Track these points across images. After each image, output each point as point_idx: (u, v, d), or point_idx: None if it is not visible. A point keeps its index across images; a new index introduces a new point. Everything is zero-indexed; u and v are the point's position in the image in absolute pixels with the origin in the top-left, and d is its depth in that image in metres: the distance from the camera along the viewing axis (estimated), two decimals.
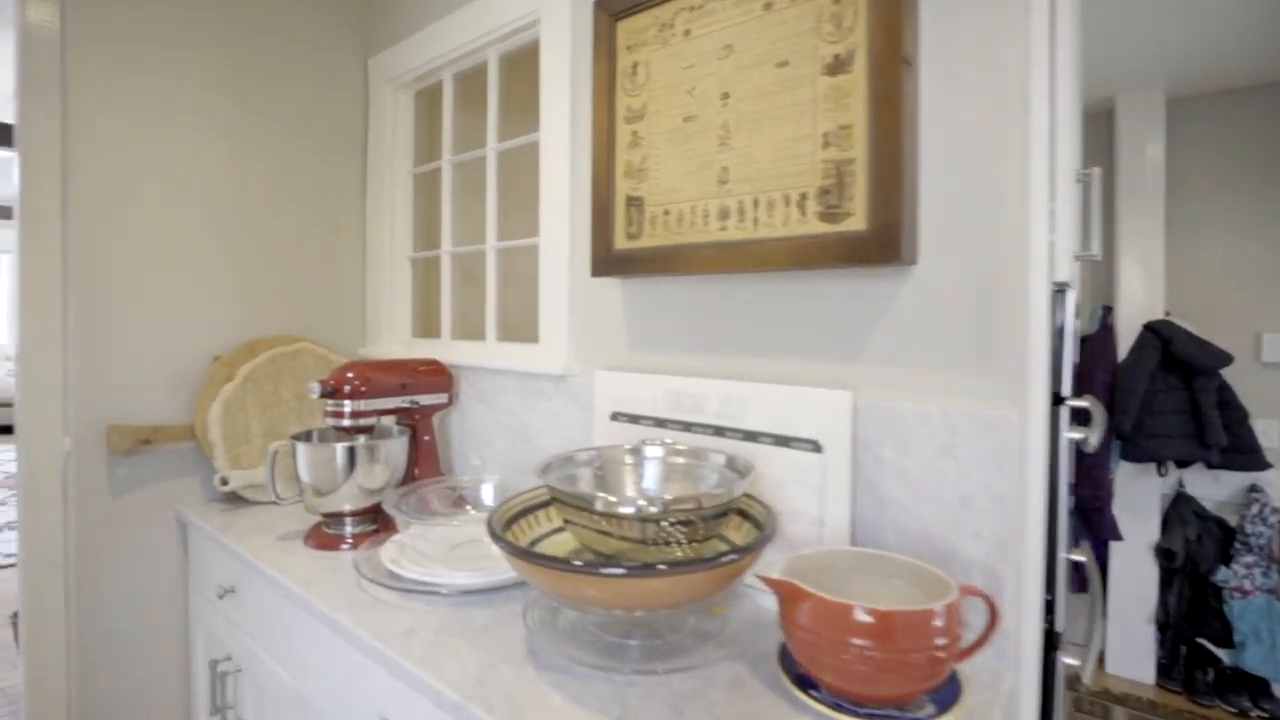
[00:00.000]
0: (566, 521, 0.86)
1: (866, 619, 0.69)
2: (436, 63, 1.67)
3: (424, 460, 1.38)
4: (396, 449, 1.27)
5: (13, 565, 2.83)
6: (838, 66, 0.89)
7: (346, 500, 1.23)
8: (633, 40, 1.13)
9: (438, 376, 1.44)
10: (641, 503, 0.73)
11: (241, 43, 1.62)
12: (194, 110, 1.54)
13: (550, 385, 1.32)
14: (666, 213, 1.08)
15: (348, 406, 1.25)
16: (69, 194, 1.43)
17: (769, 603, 0.95)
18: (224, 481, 1.43)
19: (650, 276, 1.14)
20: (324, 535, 1.25)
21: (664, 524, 0.75)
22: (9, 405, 6.50)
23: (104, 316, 1.42)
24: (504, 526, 0.89)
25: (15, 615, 1.70)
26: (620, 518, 0.75)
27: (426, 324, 1.91)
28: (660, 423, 1.11)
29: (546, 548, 0.92)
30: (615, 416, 1.18)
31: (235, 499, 1.54)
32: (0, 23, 3.34)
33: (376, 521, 1.29)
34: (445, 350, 1.66)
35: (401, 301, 1.84)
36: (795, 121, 0.93)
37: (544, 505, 0.97)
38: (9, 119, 4.50)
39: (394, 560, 1.03)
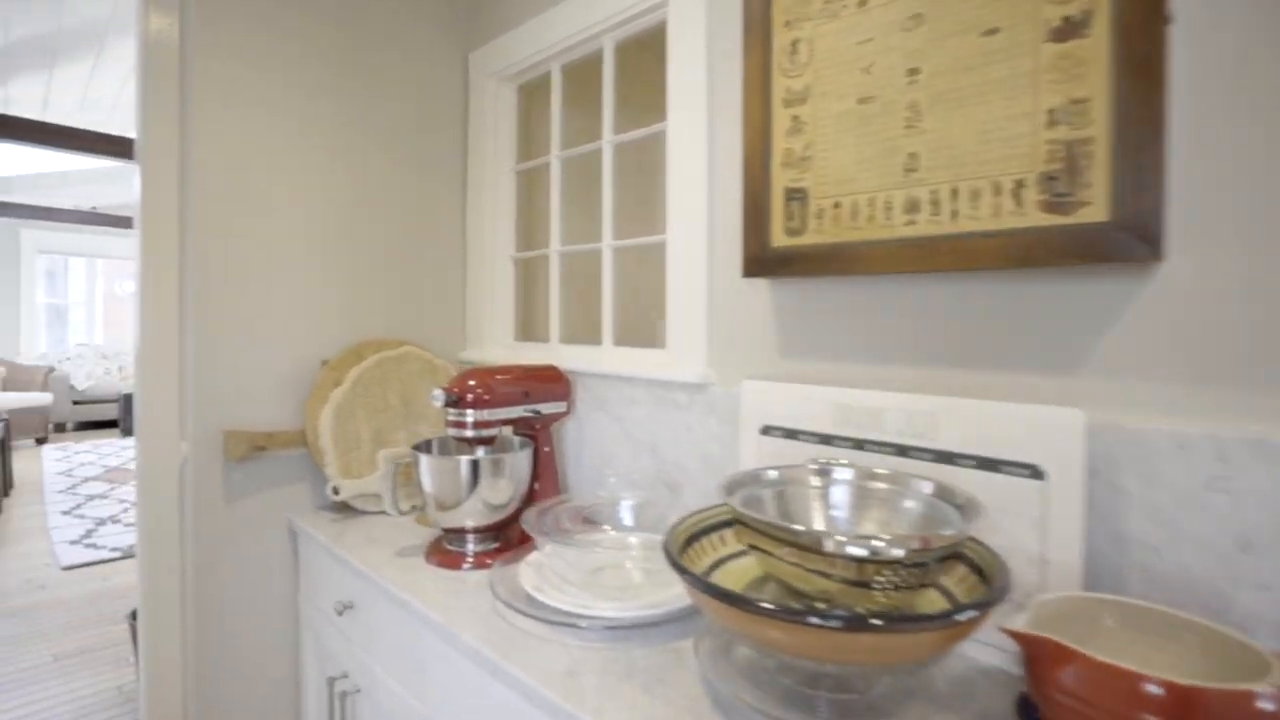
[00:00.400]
0: (755, 549, 0.76)
1: (1159, 692, 0.56)
2: (544, 54, 1.59)
3: (544, 474, 1.30)
4: (521, 462, 1.19)
5: (119, 558, 2.90)
6: (1068, 31, 0.76)
7: (469, 516, 1.16)
8: (792, 15, 1.01)
9: (557, 384, 1.36)
10: (878, 543, 0.62)
11: (347, 44, 1.58)
12: (303, 115, 1.51)
13: (684, 395, 1.22)
14: (837, 205, 0.96)
15: (470, 416, 1.18)
16: (186, 202, 1.42)
17: (974, 651, 0.82)
18: (336, 491, 1.38)
19: (816, 277, 1.03)
20: (446, 552, 1.18)
21: (888, 569, 0.64)
22: (111, 402, 6.84)
23: (218, 322, 1.39)
24: (680, 551, 0.79)
25: (134, 615, 1.71)
26: (839, 557, 0.64)
27: (525, 327, 1.84)
28: (825, 439, 0.99)
29: (725, 576, 0.82)
30: (767, 431, 1.07)
31: (344, 507, 1.49)
32: (117, 35, 3.46)
33: (499, 539, 1.21)
34: (555, 355, 1.58)
35: (504, 303, 1.77)
36: (1008, 97, 0.81)
37: (721, 527, 0.87)
38: (122, 130, 4.71)
39: (536, 587, 0.95)
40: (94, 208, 8.10)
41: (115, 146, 4.43)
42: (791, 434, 1.04)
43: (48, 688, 1.90)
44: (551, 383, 1.34)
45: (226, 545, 1.41)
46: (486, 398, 1.18)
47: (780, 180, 1.03)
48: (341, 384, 1.50)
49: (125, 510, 3.69)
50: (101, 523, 3.44)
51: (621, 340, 1.66)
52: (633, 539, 1.10)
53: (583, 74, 1.75)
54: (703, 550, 0.85)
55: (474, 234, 1.79)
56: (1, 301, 8.03)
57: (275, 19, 1.47)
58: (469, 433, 1.18)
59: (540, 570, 1.02)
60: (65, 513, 3.63)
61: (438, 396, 1.16)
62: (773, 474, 0.87)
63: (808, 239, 1.00)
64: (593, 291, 1.99)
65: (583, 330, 1.90)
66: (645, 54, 1.73)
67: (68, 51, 3.70)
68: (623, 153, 1.51)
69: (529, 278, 1.84)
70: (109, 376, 7.21)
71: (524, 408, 1.26)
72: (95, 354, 7.22)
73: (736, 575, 0.84)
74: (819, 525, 0.83)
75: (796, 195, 1.01)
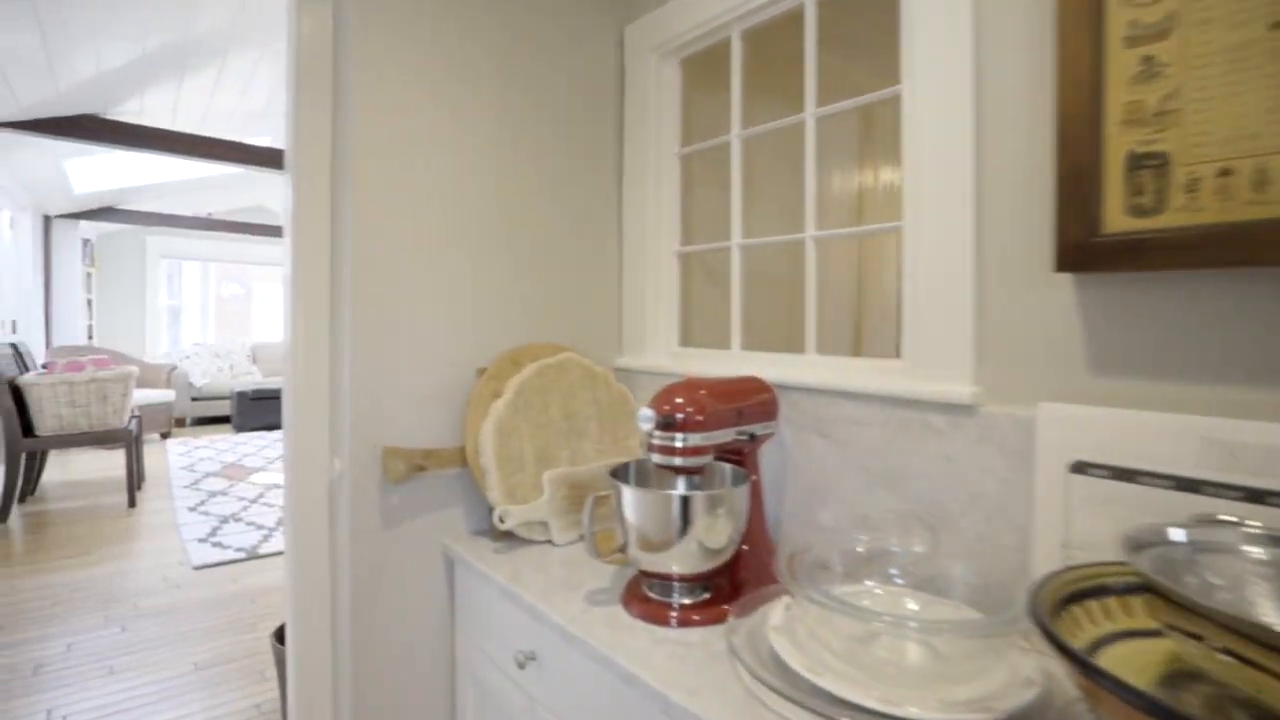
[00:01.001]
0: (1177, 631, 0.52)
1: None
2: (722, 19, 1.39)
3: (755, 510, 1.09)
4: (739, 499, 0.99)
5: (244, 559, 2.90)
6: None
7: (680, 560, 0.96)
8: None
9: (767, 401, 1.15)
10: None
11: (502, 25, 1.42)
12: (459, 106, 1.36)
13: (941, 418, 0.99)
14: (1226, 173, 0.71)
15: (681, 440, 0.98)
16: (340, 204, 1.30)
17: None
18: (501, 519, 1.22)
19: (1184, 271, 0.77)
20: (646, 600, 1.00)
21: None
22: (225, 399, 7.18)
23: (374, 330, 1.26)
24: (1051, 617, 0.56)
25: (278, 634, 1.62)
26: None
27: (686, 332, 1.64)
28: (1188, 484, 0.74)
29: (1112, 661, 0.59)
30: (1082, 469, 0.82)
31: (503, 534, 1.34)
32: (240, 45, 3.53)
33: (708, 588, 1.01)
34: (741, 364, 1.38)
35: (668, 303, 1.58)
36: None
37: (1100, 593, 0.64)
38: (240, 137, 4.86)
39: (812, 669, 0.74)
40: (209, 214, 8.55)
41: (237, 153, 4.56)
42: (1126, 475, 0.79)
43: (189, 702, 1.84)
44: (762, 399, 1.13)
45: (383, 573, 1.27)
46: (700, 419, 0.99)
47: (1120, 144, 0.78)
48: (502, 395, 1.34)
49: (245, 509, 3.75)
50: (225, 520, 3.49)
51: (774, 345, 1.44)
52: (910, 601, 0.88)
53: (763, 41, 1.53)
54: (1075, 623, 0.62)
55: (631, 227, 1.61)
56: (129, 304, 8.59)
57: (429, 5, 1.33)
58: (679, 460, 0.98)
59: (794, 638, 0.81)
60: (191, 509, 3.72)
61: (647, 417, 0.98)
62: (1177, 533, 0.63)
63: (1170, 219, 0.74)
64: (766, 290, 1.78)
65: (757, 336, 1.69)
66: (847, 13, 1.50)
67: (195, 62, 3.80)
68: (782, 136, 1.28)
69: (685, 276, 1.65)
70: (222, 375, 7.57)
71: (736, 430, 1.06)
72: (210, 353, 7.59)
73: (1127, 660, 0.60)
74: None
75: (1150, 161, 0.76)
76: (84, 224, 7.29)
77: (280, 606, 2.39)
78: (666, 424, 0.98)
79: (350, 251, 1.24)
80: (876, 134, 2.27)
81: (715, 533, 0.96)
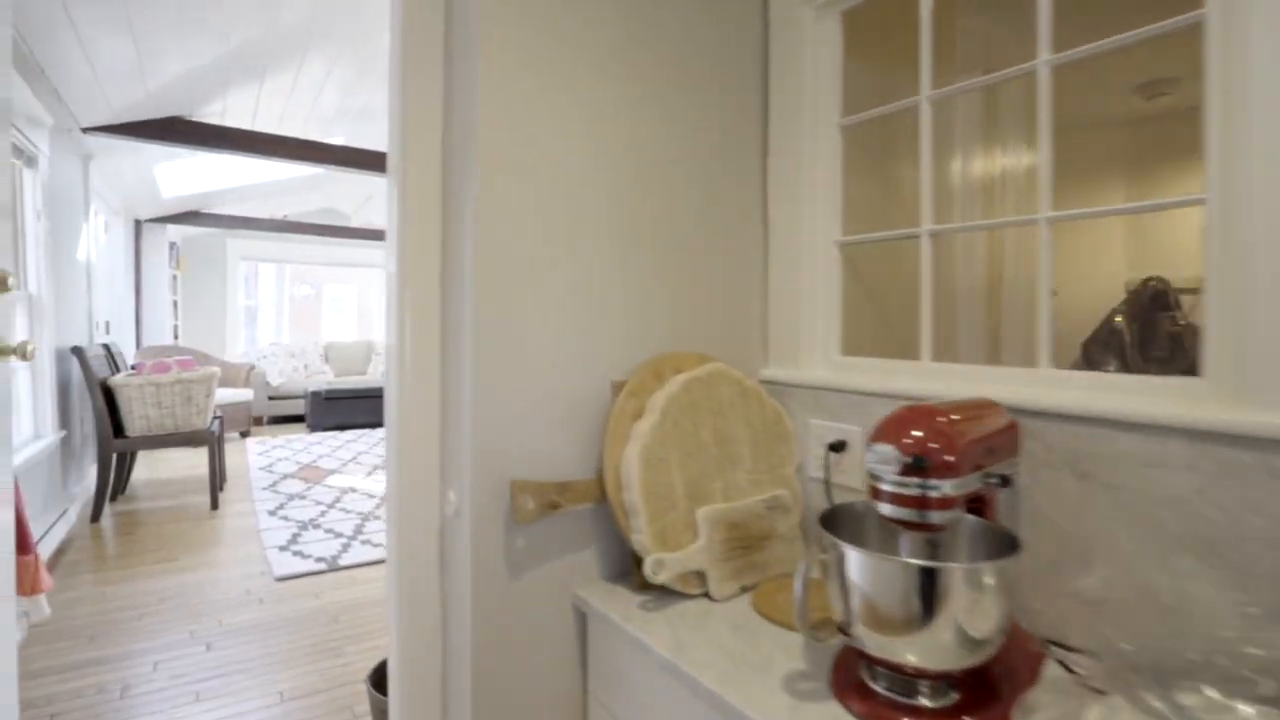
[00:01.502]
0: None
1: None
2: None
3: None
4: (1008, 572, 0.73)
5: (324, 570, 2.79)
6: None
7: (925, 651, 0.71)
8: None
9: (1011, 433, 0.88)
10: None
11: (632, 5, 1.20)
12: (589, 84, 1.14)
13: None
14: None
15: (936, 490, 0.73)
16: (452, 207, 1.10)
17: None
18: (655, 571, 0.99)
19: None
20: (869, 696, 0.75)
21: None
22: (299, 398, 7.28)
23: (496, 345, 1.05)
24: None
25: (373, 678, 1.44)
26: None
27: (848, 339, 1.38)
28: None
29: None
30: None
31: (647, 583, 1.11)
32: (320, 41, 3.46)
33: (957, 687, 0.76)
34: (931, 380, 1.11)
35: (826, 303, 1.33)
36: None
37: None
38: (318, 137, 4.85)
39: None
40: (285, 216, 8.73)
41: (316, 153, 4.52)
42: None
43: None
44: (1006, 431, 0.87)
45: (504, 627, 1.06)
46: (951, 460, 0.73)
47: None
48: (646, 415, 1.11)
49: (323, 514, 3.67)
50: (304, 527, 3.41)
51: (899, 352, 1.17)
52: None
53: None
54: None
55: (779, 213, 1.36)
56: (211, 305, 8.87)
57: None
58: (935, 516, 0.73)
59: None
60: (271, 513, 3.67)
61: (885, 456, 0.73)
62: None
63: None
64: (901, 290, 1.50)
65: (906, 345, 1.42)
66: None
67: (276, 62, 3.76)
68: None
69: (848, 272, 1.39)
70: (297, 374, 7.69)
71: (982, 474, 0.80)
72: (285, 353, 7.73)
73: None
74: None
75: None
76: (171, 228, 7.52)
77: (365, 628, 2.24)
78: (916, 467, 0.72)
79: (471, 255, 1.03)
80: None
81: (981, 617, 0.71)
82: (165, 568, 2.83)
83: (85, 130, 3.84)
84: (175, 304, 7.96)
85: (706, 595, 1.07)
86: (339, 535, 3.27)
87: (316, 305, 10.09)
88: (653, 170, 1.22)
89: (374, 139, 5.37)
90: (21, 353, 1.55)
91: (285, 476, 4.59)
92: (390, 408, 1.15)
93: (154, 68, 3.37)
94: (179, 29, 3.02)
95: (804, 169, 1.32)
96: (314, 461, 5.12)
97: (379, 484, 4.42)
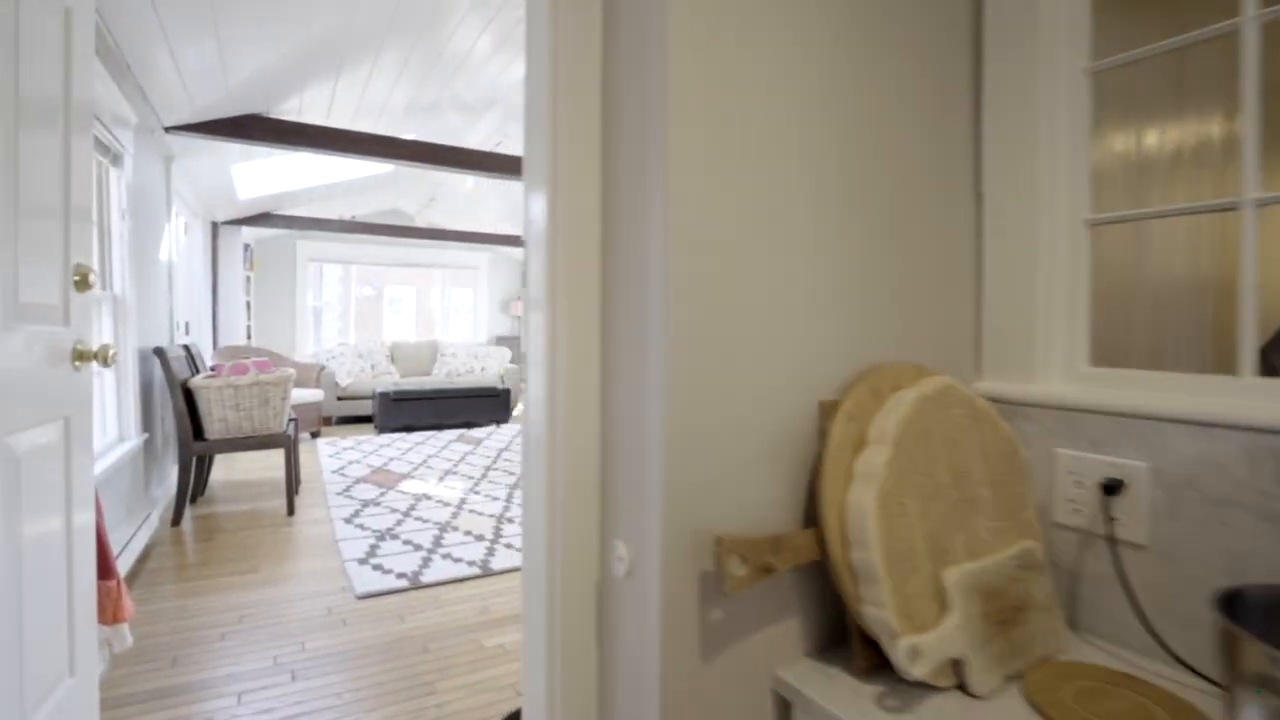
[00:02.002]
0: None
1: None
2: None
3: None
4: None
5: (406, 588, 2.62)
6: None
7: None
8: None
9: None
10: None
11: None
12: (780, 63, 0.89)
13: None
14: None
15: None
16: (618, 205, 0.86)
17: None
18: (911, 659, 0.72)
19: None
20: None
21: None
22: (367, 398, 7.29)
23: (686, 364, 0.80)
24: None
25: None
26: None
27: (1102, 346, 1.09)
28: None
29: None
30: None
31: (878, 668, 0.84)
32: (399, 35, 3.33)
33: None
34: (1262, 399, 0.81)
35: (1072, 300, 1.03)
36: None
37: None
38: (390, 132, 4.76)
39: None
40: (353, 217, 8.81)
41: (390, 148, 4.42)
42: None
43: None
44: None
45: (695, 717, 0.81)
46: None
47: None
48: (872, 446, 0.85)
49: (400, 523, 3.53)
50: (381, 537, 3.26)
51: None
52: None
53: None
54: None
55: (1001, 184, 1.07)
56: (281, 305, 9.02)
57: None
58: None
59: None
60: (348, 520, 3.55)
61: None
62: None
63: None
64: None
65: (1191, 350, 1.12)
66: None
67: (352, 54, 3.65)
68: None
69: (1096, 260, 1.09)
70: (364, 375, 7.71)
71: None
72: (353, 353, 7.76)
73: None
74: None
75: None
76: (245, 230, 7.64)
77: (457, 661, 2.05)
78: None
79: (660, 256, 0.79)
80: None
81: None
82: (245, 579, 2.71)
83: (168, 130, 3.81)
84: (249, 305, 8.10)
85: (959, 688, 0.80)
86: (418, 547, 3.11)
87: (378, 305, 10.18)
88: (855, 129, 0.96)
89: (442, 135, 5.26)
90: (103, 358, 1.39)
91: (358, 481, 4.50)
92: (534, 438, 0.92)
93: (235, 62, 3.29)
94: (261, 21, 2.91)
95: (1038, 127, 1.04)
96: (385, 465, 5.03)
97: (452, 490, 4.27)
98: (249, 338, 8.03)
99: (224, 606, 2.44)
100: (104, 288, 3.02)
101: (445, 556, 2.98)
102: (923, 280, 1.04)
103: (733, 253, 0.83)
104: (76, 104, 1.38)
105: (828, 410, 0.90)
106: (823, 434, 0.90)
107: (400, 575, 2.74)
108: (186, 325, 5.35)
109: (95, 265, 2.94)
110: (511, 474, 4.77)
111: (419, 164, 4.56)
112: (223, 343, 6.97)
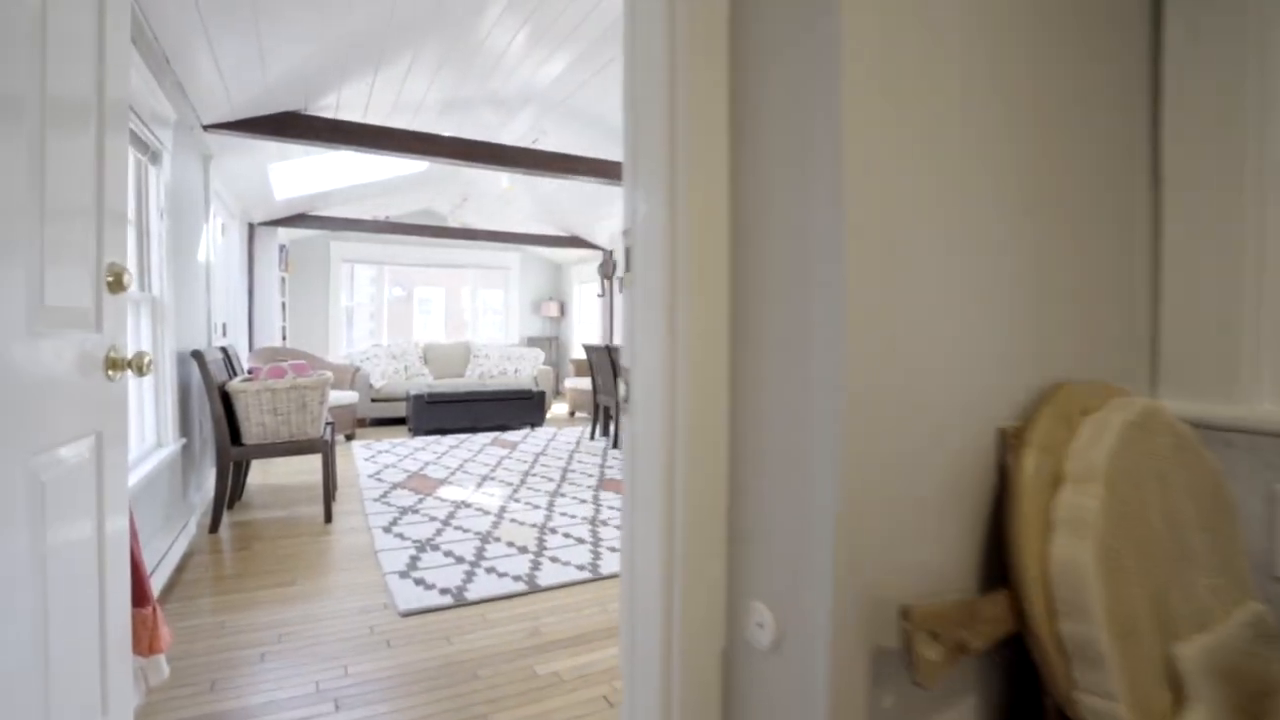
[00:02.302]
0: None
1: None
2: None
3: None
4: None
5: (450, 606, 2.49)
6: None
7: None
8: None
9: None
10: None
11: None
12: (954, 43, 0.72)
13: None
14: None
15: None
16: (749, 208, 0.70)
17: None
18: None
19: None
20: None
21: None
22: (400, 400, 7.24)
23: (861, 372, 0.63)
24: None
25: None
26: None
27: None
28: None
29: None
30: None
31: None
32: (439, 31, 3.21)
33: None
34: None
35: None
36: None
37: None
38: (426, 128, 4.66)
39: None
40: (387, 217, 8.79)
41: (430, 146, 4.32)
42: None
43: None
44: None
45: None
46: None
47: None
48: (1074, 486, 0.67)
49: (439, 532, 3.41)
50: (422, 548, 3.15)
51: None
52: None
53: None
54: None
55: (1191, 162, 0.89)
56: (315, 307, 9.04)
57: None
58: None
59: None
60: (386, 529, 3.44)
61: None
62: None
63: None
64: None
65: None
66: None
67: (392, 48, 3.54)
68: None
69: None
70: (398, 376, 7.66)
71: None
72: (386, 354, 7.71)
73: None
74: None
75: None
76: (281, 230, 7.65)
77: (511, 690, 1.92)
78: None
79: (832, 261, 0.63)
80: None
81: None
82: (283, 593, 2.61)
83: (206, 128, 3.75)
84: (284, 306, 8.12)
85: None
86: (460, 560, 2.98)
87: (408, 306, 10.18)
88: (1029, 121, 0.78)
89: (477, 132, 5.16)
90: (138, 366, 1.27)
91: (395, 486, 4.41)
92: (645, 472, 0.76)
93: (275, 56, 3.20)
94: (302, 11, 2.81)
95: (1245, 89, 0.85)
96: (421, 470, 4.93)
97: (490, 498, 4.15)
98: (284, 339, 8.05)
99: (263, 623, 2.33)
100: (142, 289, 2.95)
101: (489, 571, 2.85)
102: (1099, 284, 0.86)
103: (909, 257, 0.66)
104: (111, 101, 1.27)
105: (1010, 439, 0.72)
106: (1003, 468, 0.73)
107: (444, 591, 2.61)
108: (224, 327, 5.33)
109: (133, 266, 2.87)
110: (550, 480, 4.64)
111: (456, 161, 4.45)
112: (259, 344, 6.97)
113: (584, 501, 4.06)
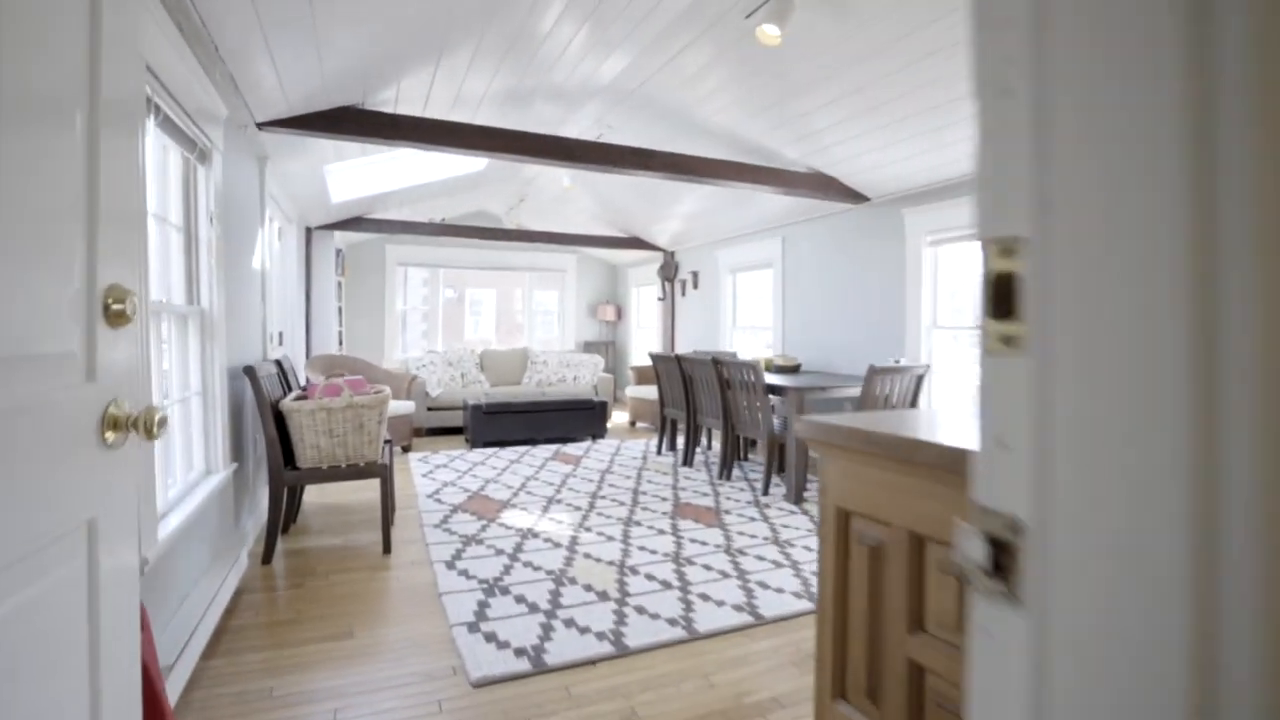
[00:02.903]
0: None
1: None
2: None
3: None
4: None
5: (531, 673, 2.12)
6: None
7: None
8: None
9: None
10: None
11: None
12: None
13: None
14: None
15: None
16: None
17: None
18: None
19: None
20: None
21: None
22: (457, 409, 7.01)
23: None
24: None
25: None
26: None
27: None
28: None
29: None
30: None
31: None
32: (502, 20, 2.83)
33: None
34: None
35: None
36: None
37: None
38: (491, 123, 4.33)
39: None
40: (443, 219, 8.59)
41: (494, 140, 3.99)
42: None
43: None
44: None
45: None
46: None
47: None
48: None
49: (508, 570, 3.07)
50: (490, 590, 2.80)
51: None
52: None
53: None
54: None
55: None
56: (371, 311, 8.92)
57: None
58: None
59: None
60: (449, 564, 3.12)
61: None
62: None
63: None
64: None
65: None
66: None
67: (455, 38, 3.21)
68: None
69: None
70: (454, 384, 7.42)
71: None
72: (442, 361, 7.49)
73: None
74: None
75: None
76: (338, 234, 7.52)
77: None
78: None
79: None
80: None
81: None
82: (339, 648, 2.28)
83: (261, 126, 3.50)
84: (340, 310, 8.00)
85: None
86: (533, 608, 2.62)
87: (460, 308, 9.99)
88: None
89: (538, 128, 4.81)
90: (146, 426, 0.91)
91: (456, 509, 4.10)
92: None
93: (330, 49, 2.90)
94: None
95: None
96: (482, 489, 4.62)
97: (559, 525, 3.80)
98: (340, 343, 7.93)
99: (317, 691, 2.01)
100: (191, 302, 2.69)
101: (569, 624, 2.47)
102: None
103: None
104: (110, 98, 0.93)
105: None
106: None
107: (519, 652, 2.24)
108: (280, 336, 5.14)
109: (179, 277, 2.61)
110: (621, 503, 4.26)
111: (521, 157, 4.11)
112: (316, 351, 6.82)
113: (662, 532, 3.66)
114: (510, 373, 8.05)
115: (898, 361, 4.68)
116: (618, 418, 8.37)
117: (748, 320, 7.44)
